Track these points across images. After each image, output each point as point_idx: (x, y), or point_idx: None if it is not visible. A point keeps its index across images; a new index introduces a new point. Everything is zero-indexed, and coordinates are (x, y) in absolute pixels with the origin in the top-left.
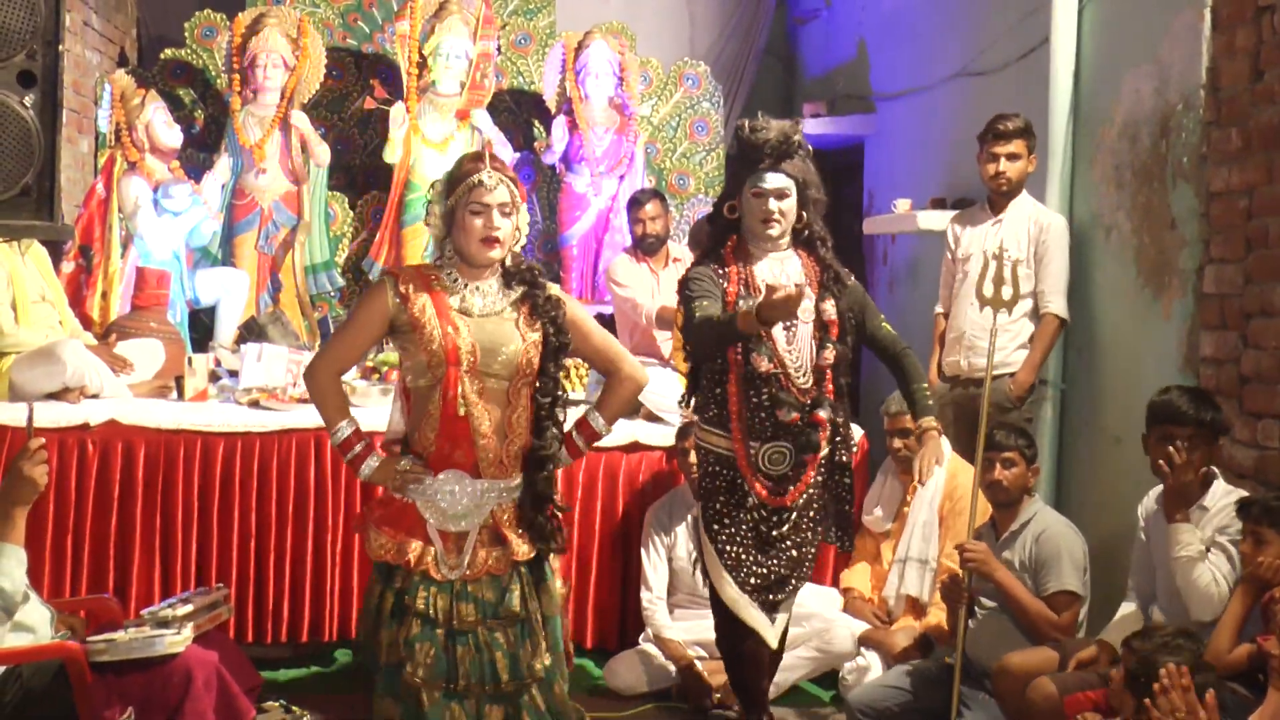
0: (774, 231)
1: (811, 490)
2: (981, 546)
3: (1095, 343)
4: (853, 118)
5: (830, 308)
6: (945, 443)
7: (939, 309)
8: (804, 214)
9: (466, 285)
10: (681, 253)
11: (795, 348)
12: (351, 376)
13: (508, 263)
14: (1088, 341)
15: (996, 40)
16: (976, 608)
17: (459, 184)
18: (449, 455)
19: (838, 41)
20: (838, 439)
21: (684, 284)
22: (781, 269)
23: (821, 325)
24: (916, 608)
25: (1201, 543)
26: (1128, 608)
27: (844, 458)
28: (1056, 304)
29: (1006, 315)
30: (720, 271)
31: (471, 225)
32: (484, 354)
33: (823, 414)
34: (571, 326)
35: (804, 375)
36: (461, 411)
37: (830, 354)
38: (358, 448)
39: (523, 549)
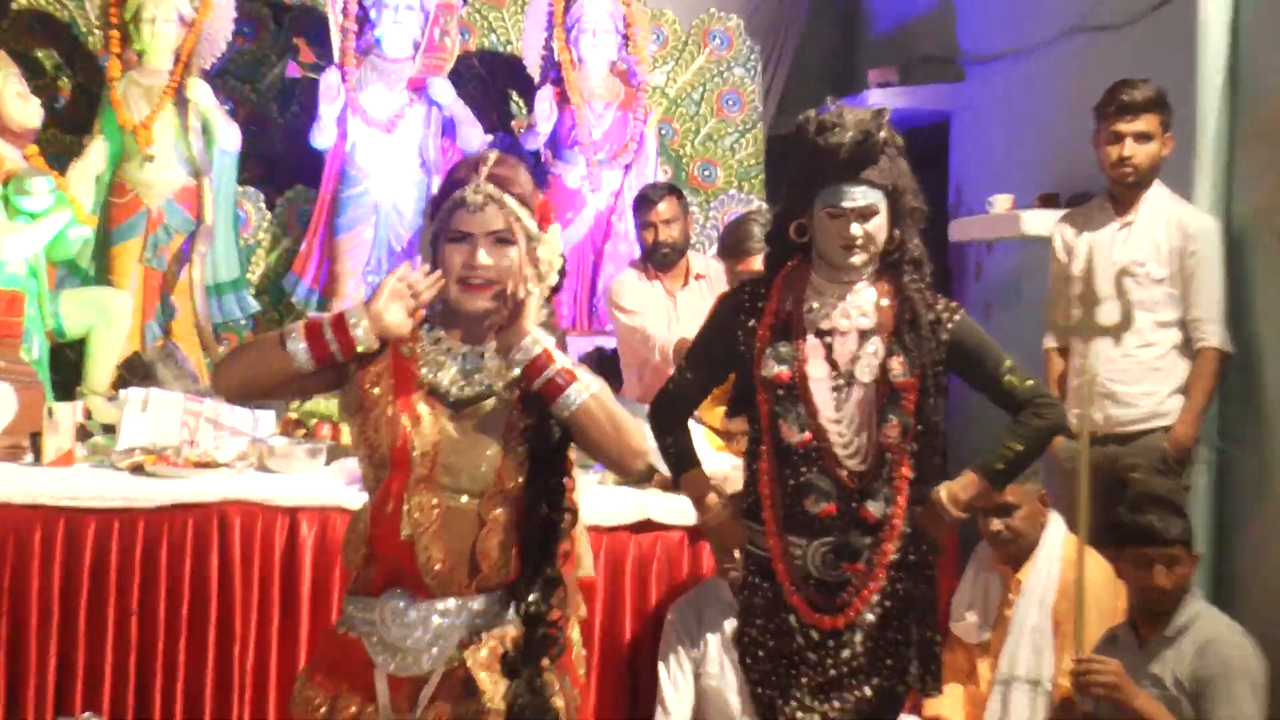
0: (858, 260)
1: (887, 603)
2: (1112, 664)
3: (1263, 386)
4: (934, 88)
5: (900, 365)
6: (1057, 519)
7: (1050, 342)
8: (896, 232)
9: (448, 351)
10: (705, 267)
11: (846, 414)
12: (269, 433)
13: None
14: (1253, 385)
15: None
16: None
17: (442, 201)
18: (385, 589)
19: None
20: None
21: (697, 338)
22: (844, 311)
23: (888, 388)
24: None
25: None
26: None
27: (912, 556)
28: (1215, 335)
29: (1148, 346)
30: (750, 305)
31: (448, 261)
32: (447, 458)
33: (872, 509)
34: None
35: (856, 454)
36: (404, 535)
37: (895, 428)
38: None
39: (497, 698)
